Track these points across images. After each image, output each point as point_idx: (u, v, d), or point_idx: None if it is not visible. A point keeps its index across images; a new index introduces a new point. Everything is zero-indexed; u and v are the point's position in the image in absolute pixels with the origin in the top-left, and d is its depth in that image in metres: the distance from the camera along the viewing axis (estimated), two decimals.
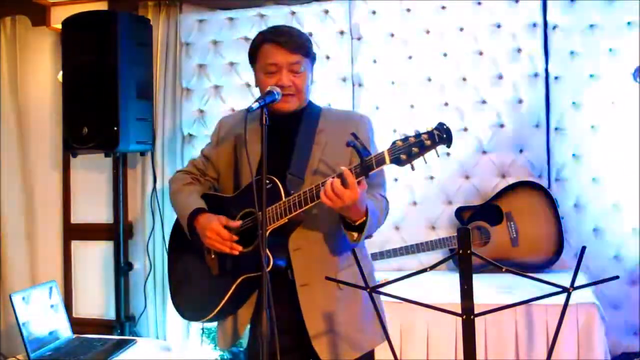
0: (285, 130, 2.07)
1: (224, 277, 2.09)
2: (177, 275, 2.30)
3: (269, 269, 1.92)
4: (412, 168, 1.77)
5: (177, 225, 2.27)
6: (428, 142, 1.72)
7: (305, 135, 2.06)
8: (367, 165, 1.79)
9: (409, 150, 1.74)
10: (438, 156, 1.76)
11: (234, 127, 2.19)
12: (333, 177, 1.82)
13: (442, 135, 1.71)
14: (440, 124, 1.73)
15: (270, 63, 2.01)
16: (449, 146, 1.73)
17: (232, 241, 2.01)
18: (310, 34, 3.71)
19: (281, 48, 2.00)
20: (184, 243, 2.19)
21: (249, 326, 2.15)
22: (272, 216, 1.95)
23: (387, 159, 1.76)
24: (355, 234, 1.91)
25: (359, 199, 1.81)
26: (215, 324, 3.80)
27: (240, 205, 2.07)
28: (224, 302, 2.07)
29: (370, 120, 2.15)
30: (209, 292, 2.12)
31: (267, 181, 1.92)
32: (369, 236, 2.02)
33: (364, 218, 1.87)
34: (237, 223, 2.04)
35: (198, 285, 2.19)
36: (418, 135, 1.74)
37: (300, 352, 2.08)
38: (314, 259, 2.03)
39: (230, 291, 2.05)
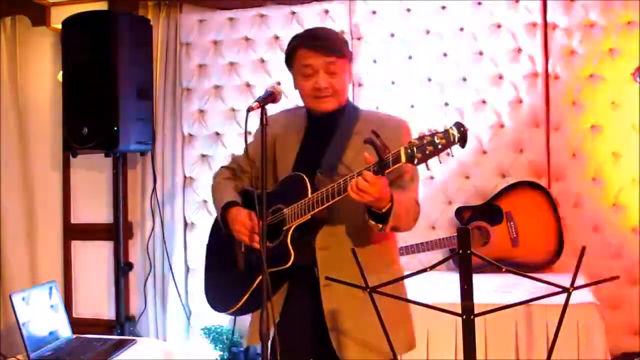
0: (322, 130, 2.10)
1: (249, 271, 2.12)
2: (211, 266, 2.36)
3: (289, 264, 1.97)
4: (427, 167, 1.76)
5: (216, 219, 2.33)
6: (443, 142, 1.70)
7: (341, 136, 2.08)
8: (384, 164, 1.79)
9: (423, 149, 1.72)
10: (452, 156, 1.73)
11: (276, 125, 2.21)
12: (354, 176, 1.84)
13: (456, 135, 1.69)
14: (458, 124, 1.70)
15: (306, 65, 2.03)
16: (463, 146, 1.70)
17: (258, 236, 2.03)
18: None
19: (316, 51, 2.02)
20: (221, 236, 2.25)
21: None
22: (297, 212, 1.98)
23: (403, 157, 1.75)
24: (380, 225, 1.90)
25: (383, 187, 1.81)
26: (215, 323, 3.83)
27: (272, 201, 2.10)
28: (247, 296, 2.10)
29: (408, 125, 2.14)
30: (235, 285, 2.16)
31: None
32: (397, 229, 2.00)
33: (389, 204, 1.86)
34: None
35: (227, 277, 2.24)
36: (433, 134, 1.72)
37: (319, 350, 2.09)
38: (339, 260, 2.01)
39: (254, 285, 2.07)
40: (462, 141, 1.70)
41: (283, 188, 2.10)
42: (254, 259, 2.12)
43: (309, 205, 1.96)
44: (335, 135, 2.09)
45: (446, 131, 1.70)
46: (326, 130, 2.10)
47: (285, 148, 2.12)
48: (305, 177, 2.01)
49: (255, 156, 2.23)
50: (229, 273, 2.23)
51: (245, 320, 3.83)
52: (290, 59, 2.10)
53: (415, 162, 1.73)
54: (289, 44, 2.11)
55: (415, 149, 1.72)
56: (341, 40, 2.10)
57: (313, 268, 2.05)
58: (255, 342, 2.15)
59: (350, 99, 3.63)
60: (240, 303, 2.12)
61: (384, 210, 1.87)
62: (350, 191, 1.83)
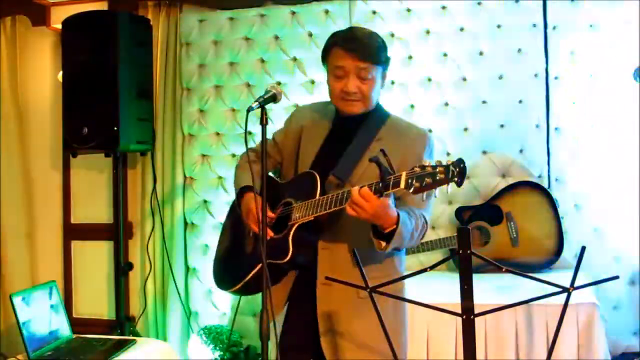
0: (346, 131, 2.11)
1: (253, 257, 2.15)
2: (221, 244, 2.42)
3: (286, 259, 2.00)
4: (422, 198, 1.76)
5: (234, 200, 2.39)
6: (441, 176, 1.69)
7: (361, 140, 2.09)
8: (384, 185, 1.79)
9: (422, 179, 1.71)
10: (448, 192, 1.73)
11: (305, 117, 2.25)
12: (355, 189, 1.84)
13: (455, 172, 1.68)
14: (459, 160, 1.69)
15: (339, 66, 2.03)
16: (459, 185, 1.70)
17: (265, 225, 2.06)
18: (310, 34, 3.72)
19: (350, 54, 2.01)
20: (235, 217, 2.31)
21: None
22: (303, 211, 2.02)
23: (402, 184, 1.75)
24: (384, 243, 1.91)
25: (379, 207, 1.81)
26: (215, 323, 3.83)
27: (285, 193, 2.14)
28: (245, 280, 2.13)
29: (430, 137, 2.14)
30: (237, 267, 2.21)
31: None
32: (398, 249, 2.01)
33: (394, 226, 1.87)
34: (273, 215, 2.12)
35: (233, 257, 2.30)
36: (435, 166, 1.72)
37: (318, 350, 2.10)
38: (340, 261, 2.04)
39: (252, 272, 2.11)
40: (460, 178, 1.68)
41: (297, 183, 2.13)
42: (258, 246, 2.13)
43: (315, 207, 1.98)
44: (355, 139, 2.09)
45: (447, 167, 1.69)
46: (350, 132, 2.10)
47: (309, 142, 2.15)
48: (317, 177, 2.03)
49: (283, 147, 2.27)
50: (237, 253, 2.28)
51: (245, 320, 3.85)
52: (325, 56, 2.10)
53: (412, 190, 1.72)
54: (327, 40, 2.10)
55: (415, 177, 1.72)
56: (378, 46, 2.06)
57: (312, 268, 2.07)
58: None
59: None
60: (241, 284, 2.16)
61: (387, 231, 1.88)
62: (347, 204, 1.85)
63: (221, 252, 2.41)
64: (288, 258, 2.01)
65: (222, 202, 3.84)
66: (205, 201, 3.93)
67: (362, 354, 2.04)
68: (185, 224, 3.97)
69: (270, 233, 2.06)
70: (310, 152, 2.13)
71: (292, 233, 2.03)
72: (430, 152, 2.10)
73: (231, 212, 2.44)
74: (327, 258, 2.06)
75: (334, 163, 2.07)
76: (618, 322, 3.30)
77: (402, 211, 1.92)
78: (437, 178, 1.69)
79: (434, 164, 1.71)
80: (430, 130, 3.59)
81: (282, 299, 2.14)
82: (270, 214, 2.08)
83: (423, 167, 1.72)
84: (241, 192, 2.20)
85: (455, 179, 1.68)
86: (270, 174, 2.33)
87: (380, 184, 1.79)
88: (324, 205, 1.95)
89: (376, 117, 2.12)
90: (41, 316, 2.92)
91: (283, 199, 2.14)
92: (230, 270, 2.27)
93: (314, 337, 2.08)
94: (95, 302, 4.14)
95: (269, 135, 2.31)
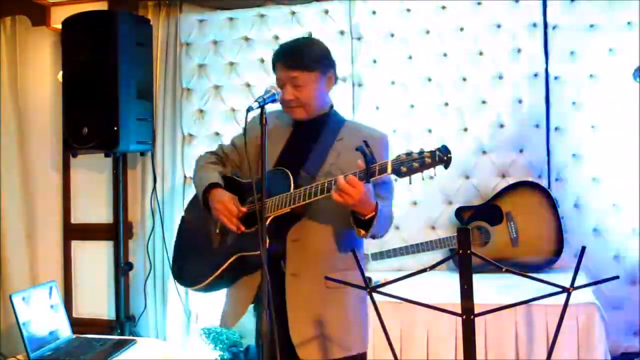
0: (307, 133, 2.21)
1: (222, 251, 2.22)
2: (182, 242, 2.48)
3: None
4: (410, 182, 1.87)
5: (193, 199, 2.45)
6: (428, 160, 1.81)
7: (325, 140, 2.19)
8: (371, 172, 1.89)
9: (410, 164, 1.83)
10: (434, 175, 1.85)
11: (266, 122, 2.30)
12: (340, 177, 1.91)
13: (442, 157, 1.80)
14: (444, 147, 1.81)
15: (277, 77, 2.20)
16: (446, 167, 1.82)
17: (237, 219, 2.13)
18: (310, 34, 3.72)
19: (282, 65, 2.17)
20: (196, 215, 2.37)
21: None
22: (277, 204, 2.08)
23: (389, 169, 1.86)
24: (363, 230, 2.00)
25: (364, 193, 1.89)
26: (215, 323, 3.83)
27: (253, 191, 2.17)
28: (216, 274, 2.20)
29: (387, 139, 2.24)
30: (205, 263, 2.25)
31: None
32: (374, 236, 2.11)
33: (373, 213, 1.96)
34: (244, 209, 2.17)
35: (198, 255, 2.34)
36: (421, 152, 1.83)
37: (285, 340, 2.12)
38: (309, 253, 2.12)
39: (224, 266, 2.18)
40: (447, 162, 1.81)
41: (266, 180, 2.16)
42: (228, 241, 2.22)
43: (291, 200, 2.05)
44: (320, 139, 2.19)
45: (433, 152, 1.81)
46: (311, 133, 2.21)
47: (271, 144, 2.20)
48: (289, 173, 2.11)
49: (241, 148, 2.33)
50: (201, 250, 2.32)
51: (245, 320, 3.84)
52: (273, 69, 2.25)
53: (401, 175, 1.85)
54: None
55: (402, 163, 1.84)
56: (310, 54, 2.17)
57: (280, 261, 2.13)
58: (230, 325, 2.29)
59: (350, 99, 3.70)
60: (209, 280, 2.21)
61: (367, 217, 1.97)
62: (333, 191, 1.92)
63: (183, 250, 2.45)
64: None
65: None
66: None
67: (327, 344, 2.10)
68: None
69: (242, 227, 2.13)
70: (273, 152, 2.21)
71: (266, 225, 2.06)
72: (387, 151, 2.22)
73: (191, 210, 2.49)
74: (297, 249, 2.12)
75: (300, 162, 2.16)
76: (618, 322, 3.30)
77: (378, 200, 2.02)
78: (425, 162, 1.81)
79: (420, 151, 1.83)
80: (430, 130, 3.61)
81: (252, 290, 2.19)
82: (242, 208, 2.16)
83: (408, 154, 1.84)
84: (208, 189, 2.24)
85: (443, 164, 1.80)
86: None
87: (367, 171, 1.88)
88: (301, 197, 2.03)
89: (334, 120, 2.24)
90: (41, 316, 2.92)
91: (250, 197, 2.20)
92: (196, 267, 2.30)
93: (286, 331, 2.11)
94: (95, 302, 4.14)
95: (228, 141, 2.45)
